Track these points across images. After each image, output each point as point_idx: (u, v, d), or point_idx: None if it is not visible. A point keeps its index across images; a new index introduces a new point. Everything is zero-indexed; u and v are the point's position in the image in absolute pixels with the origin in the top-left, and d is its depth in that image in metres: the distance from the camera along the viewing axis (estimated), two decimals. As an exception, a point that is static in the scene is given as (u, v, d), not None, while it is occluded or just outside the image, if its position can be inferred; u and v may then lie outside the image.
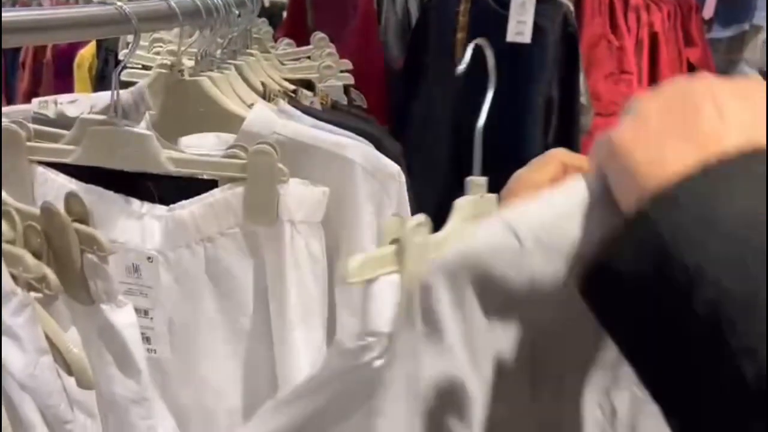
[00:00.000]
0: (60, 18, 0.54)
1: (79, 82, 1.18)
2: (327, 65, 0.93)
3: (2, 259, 0.38)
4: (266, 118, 0.69)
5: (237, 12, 0.70)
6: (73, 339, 0.39)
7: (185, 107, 0.71)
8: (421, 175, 0.78)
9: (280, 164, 0.64)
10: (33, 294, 0.38)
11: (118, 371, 0.43)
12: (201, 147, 0.68)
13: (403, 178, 0.74)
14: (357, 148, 0.71)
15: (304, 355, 0.68)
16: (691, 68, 2.14)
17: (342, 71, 0.97)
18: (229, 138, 0.68)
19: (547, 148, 1.73)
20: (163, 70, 0.73)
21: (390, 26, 2.06)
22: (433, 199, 1.03)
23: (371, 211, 0.72)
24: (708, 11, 2.92)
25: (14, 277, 0.38)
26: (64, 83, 1.20)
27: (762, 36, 2.90)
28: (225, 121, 0.70)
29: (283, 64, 0.96)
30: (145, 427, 0.45)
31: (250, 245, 0.69)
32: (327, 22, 2.23)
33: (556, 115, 1.73)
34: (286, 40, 1.07)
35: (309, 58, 1.03)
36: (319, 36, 1.02)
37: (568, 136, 1.74)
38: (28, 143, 0.64)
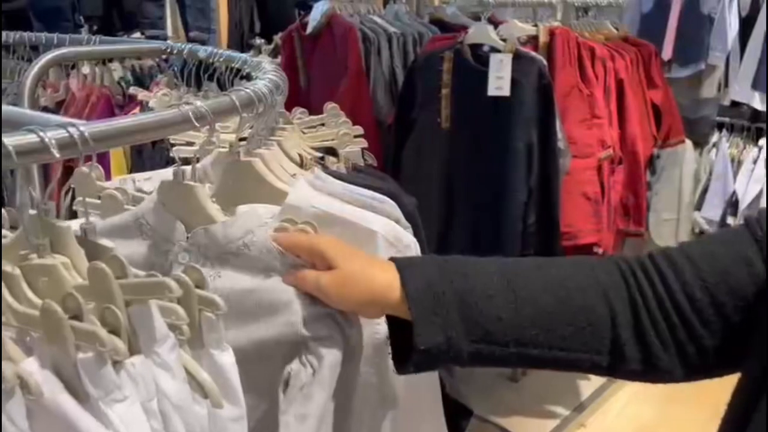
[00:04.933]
0: (147, 122, 0.63)
1: (114, 156, 1.29)
2: (345, 132, 1.07)
3: (161, 310, 0.50)
4: (304, 194, 0.82)
5: (278, 98, 0.83)
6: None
7: (239, 183, 0.83)
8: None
9: None
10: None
11: (223, 399, 0.54)
12: (252, 215, 0.80)
13: (418, 247, 0.85)
14: (379, 222, 0.82)
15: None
16: (656, 108, 2.31)
17: (356, 136, 1.10)
18: (274, 209, 0.80)
19: (530, 189, 1.87)
20: (222, 150, 0.86)
21: (378, 85, 2.15)
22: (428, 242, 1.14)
23: None
24: (667, 53, 3.15)
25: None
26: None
27: (718, 74, 3.12)
28: (271, 194, 0.83)
29: (303, 133, 1.09)
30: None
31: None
32: (318, 83, 2.35)
33: (537, 159, 1.85)
34: (300, 110, 1.20)
35: (323, 125, 1.16)
36: (330, 106, 1.15)
37: (549, 178, 1.86)
38: (125, 206, 0.80)
